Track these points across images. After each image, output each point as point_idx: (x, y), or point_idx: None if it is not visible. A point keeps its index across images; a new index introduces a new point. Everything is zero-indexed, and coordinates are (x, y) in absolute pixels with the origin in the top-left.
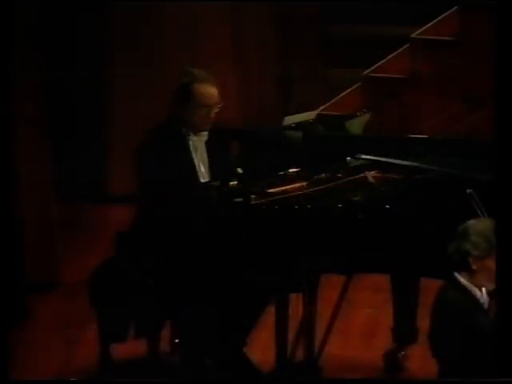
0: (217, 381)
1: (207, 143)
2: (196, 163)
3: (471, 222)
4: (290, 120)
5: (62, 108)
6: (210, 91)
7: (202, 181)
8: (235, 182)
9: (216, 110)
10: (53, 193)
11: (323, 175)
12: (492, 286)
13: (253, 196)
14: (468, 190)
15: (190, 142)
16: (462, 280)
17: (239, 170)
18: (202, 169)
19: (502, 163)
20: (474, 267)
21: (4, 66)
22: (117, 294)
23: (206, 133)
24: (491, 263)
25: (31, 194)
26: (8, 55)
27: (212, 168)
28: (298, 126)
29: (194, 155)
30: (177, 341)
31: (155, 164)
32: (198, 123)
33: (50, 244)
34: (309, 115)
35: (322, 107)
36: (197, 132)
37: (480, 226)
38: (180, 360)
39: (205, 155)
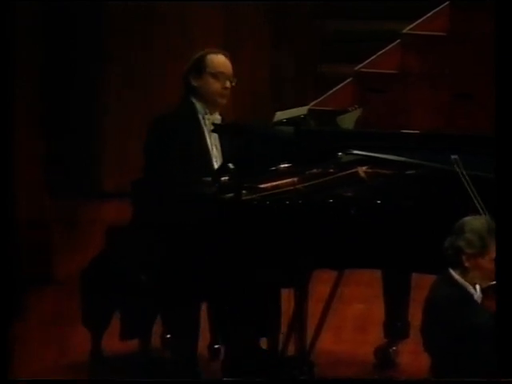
0: (217, 381)
1: None
2: (209, 144)
3: (467, 218)
4: (281, 115)
5: (56, 105)
6: (224, 60)
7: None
8: (227, 178)
9: (233, 83)
10: (46, 189)
11: (315, 170)
12: (485, 284)
13: (244, 191)
14: (453, 156)
15: (207, 122)
16: (456, 276)
17: (231, 166)
18: (215, 152)
19: (502, 160)
20: (466, 264)
21: (3, 65)
22: (108, 290)
23: (220, 118)
24: (484, 262)
25: (25, 190)
26: (8, 54)
27: (223, 152)
28: (290, 121)
29: (207, 136)
30: (168, 336)
31: (166, 140)
32: (214, 93)
33: (43, 240)
34: (300, 110)
35: (313, 102)
36: (213, 108)
37: (475, 223)
38: (171, 356)
39: (217, 139)
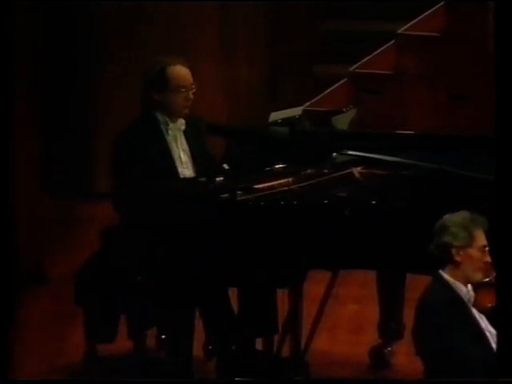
0: (213, 381)
1: (185, 132)
2: (176, 153)
3: (446, 216)
4: (276, 116)
5: (55, 105)
6: (185, 72)
7: (186, 172)
8: (221, 178)
9: (193, 91)
10: (46, 189)
11: (309, 171)
12: (478, 276)
13: (239, 192)
14: None
15: (170, 131)
16: (447, 277)
17: (225, 166)
18: (184, 158)
19: (502, 160)
20: (457, 259)
21: (3, 65)
22: (102, 291)
23: (184, 121)
24: (474, 252)
25: (20, 190)
26: (8, 54)
27: (194, 156)
28: (284, 121)
29: (173, 145)
30: (163, 337)
31: (131, 156)
32: (178, 107)
33: (38, 240)
34: (295, 111)
35: (307, 103)
36: (175, 118)
37: (456, 217)
38: (167, 356)
39: (185, 144)
